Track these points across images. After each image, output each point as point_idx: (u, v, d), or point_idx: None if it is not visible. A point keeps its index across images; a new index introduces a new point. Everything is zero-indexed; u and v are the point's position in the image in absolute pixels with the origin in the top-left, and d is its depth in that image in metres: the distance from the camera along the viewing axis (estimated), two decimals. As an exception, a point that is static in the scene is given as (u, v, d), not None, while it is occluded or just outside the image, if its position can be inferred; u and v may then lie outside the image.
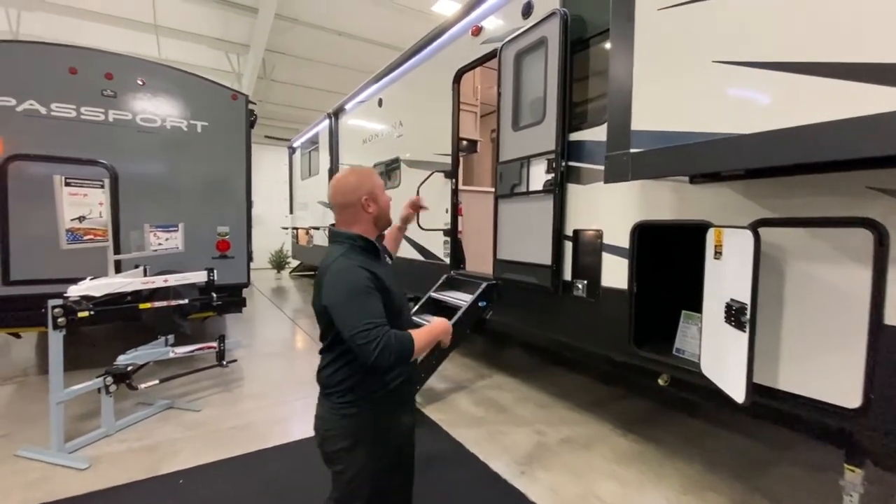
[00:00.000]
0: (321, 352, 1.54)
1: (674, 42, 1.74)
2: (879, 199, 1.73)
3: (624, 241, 2.73)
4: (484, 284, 3.74)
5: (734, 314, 1.97)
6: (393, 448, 1.55)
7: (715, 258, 2.21)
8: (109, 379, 3.04)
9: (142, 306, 3.17)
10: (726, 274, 2.10)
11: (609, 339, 2.91)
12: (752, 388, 1.87)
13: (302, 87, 12.61)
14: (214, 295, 3.64)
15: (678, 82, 1.75)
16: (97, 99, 3.99)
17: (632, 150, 1.90)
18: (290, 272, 12.85)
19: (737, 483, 2.63)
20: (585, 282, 2.97)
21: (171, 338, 3.81)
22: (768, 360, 2.10)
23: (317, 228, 8.86)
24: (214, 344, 3.63)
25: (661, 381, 2.86)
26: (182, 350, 3.47)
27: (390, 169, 5.72)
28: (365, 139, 6.42)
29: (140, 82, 4.20)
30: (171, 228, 3.64)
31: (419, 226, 4.61)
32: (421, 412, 3.47)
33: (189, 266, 3.95)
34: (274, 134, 14.33)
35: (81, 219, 2.99)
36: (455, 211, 4.42)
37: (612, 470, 2.75)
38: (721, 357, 2.11)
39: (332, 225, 1.62)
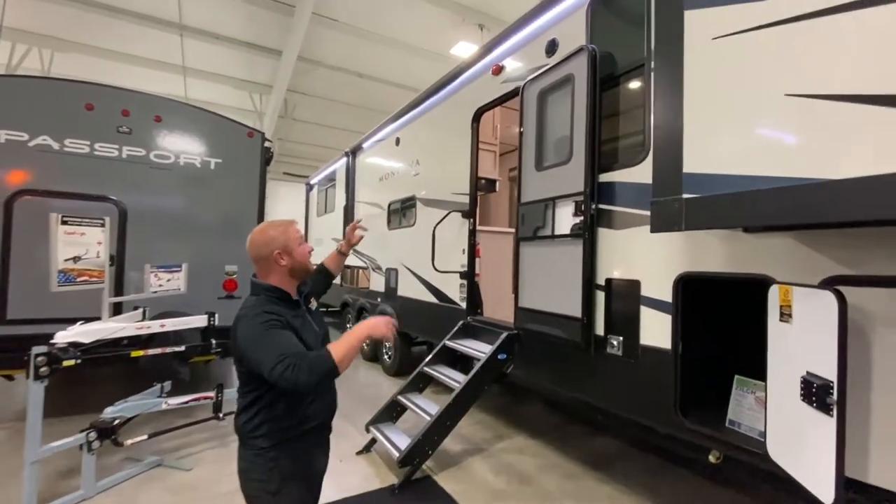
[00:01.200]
0: (238, 399, 1.59)
1: (734, 74, 1.52)
2: None
3: (665, 294, 2.42)
4: (504, 335, 3.43)
5: (815, 393, 1.63)
6: (315, 488, 1.72)
7: (782, 321, 1.88)
8: (93, 434, 2.76)
9: (134, 354, 2.94)
10: (799, 341, 1.77)
11: (650, 406, 2.54)
12: (843, 485, 1.50)
13: (321, 126, 12.90)
14: (214, 341, 3.40)
15: (741, 120, 1.51)
16: (112, 135, 3.96)
17: (685, 196, 1.64)
18: (302, 308, 12.65)
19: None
20: (621, 338, 2.64)
21: (167, 384, 3.55)
22: (855, 447, 1.73)
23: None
24: (211, 394, 3.35)
25: (712, 459, 2.46)
26: (176, 401, 3.19)
27: (406, 207, 5.56)
28: (381, 177, 6.33)
29: (156, 119, 4.17)
30: (173, 269, 3.46)
31: (434, 267, 4.36)
32: (433, 481, 3.08)
33: (194, 306, 3.75)
34: (292, 171, 14.58)
35: (76, 259, 2.82)
36: (472, 252, 4.18)
37: (657, 566, 2.32)
38: (797, 442, 1.74)
39: (253, 275, 1.66)
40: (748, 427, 2.30)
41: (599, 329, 2.77)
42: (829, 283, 1.81)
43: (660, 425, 2.54)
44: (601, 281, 2.78)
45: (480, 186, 4.36)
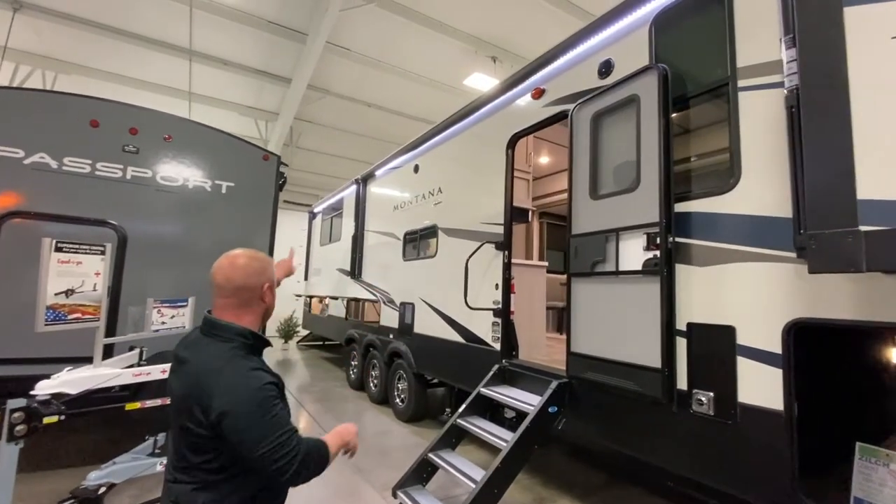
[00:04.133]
0: (183, 470, 1.26)
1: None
2: None
3: (770, 343, 2.06)
4: (555, 384, 3.01)
5: None
6: None
7: (957, 383, 1.52)
8: (71, 507, 2.26)
9: (129, 407, 2.48)
10: None
11: (753, 479, 2.12)
12: None
13: (326, 155, 12.73)
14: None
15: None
16: (117, 154, 3.61)
17: (862, 228, 1.31)
18: (298, 342, 12.04)
19: None
20: (711, 394, 2.25)
21: (161, 437, 3.05)
22: None
23: (334, 298, 8.24)
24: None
25: (833, 545, 2.03)
26: (172, 461, 2.69)
27: (425, 237, 5.22)
28: (396, 206, 6.02)
29: (166, 138, 3.85)
30: (179, 304, 3.03)
31: (467, 304, 3.97)
32: (480, 564, 2.58)
33: (194, 346, 3.30)
34: (293, 199, 14.27)
35: (69, 293, 2.40)
36: (507, 287, 3.81)
37: None
38: None
39: (209, 312, 1.37)
40: (881, 507, 1.90)
41: (682, 383, 2.38)
42: None
43: (764, 500, 2.12)
44: (682, 325, 2.41)
45: (515, 217, 4.04)
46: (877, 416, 2.90)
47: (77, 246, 2.45)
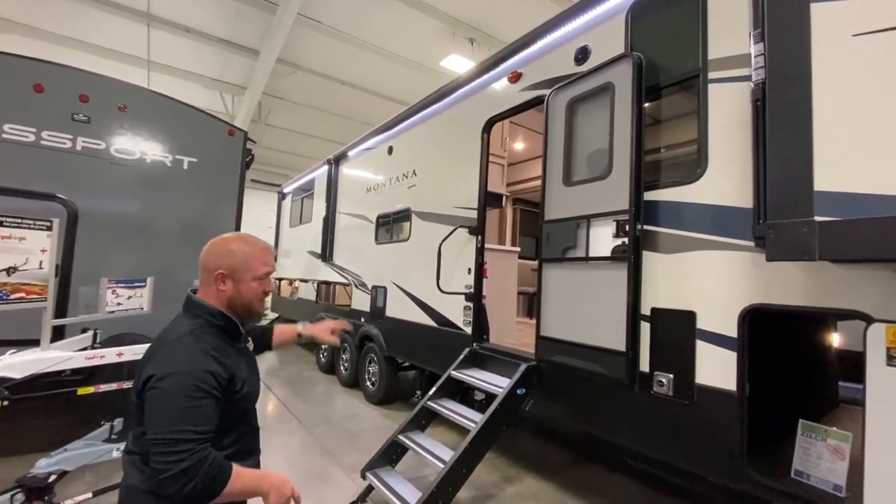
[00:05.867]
0: (134, 440, 1.23)
1: (890, 74, 1.28)
2: None
3: (727, 328, 2.16)
4: (523, 367, 3.07)
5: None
6: None
7: (890, 364, 1.65)
8: (20, 496, 2.15)
9: (81, 391, 2.36)
10: (926, 392, 1.53)
11: (708, 456, 2.24)
12: None
13: (297, 133, 12.32)
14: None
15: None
16: (65, 123, 3.36)
17: (818, 219, 1.37)
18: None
19: None
20: (671, 376, 2.35)
21: (117, 423, 2.93)
22: None
23: (305, 281, 8.08)
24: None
25: (774, 515, 2.18)
26: (130, 447, 2.59)
27: (398, 220, 5.16)
28: (369, 188, 5.90)
29: (121, 108, 3.60)
30: (136, 284, 2.88)
31: (439, 288, 3.97)
32: (447, 541, 2.64)
33: (155, 329, 3.16)
34: (262, 178, 13.81)
35: (11, 270, 2.22)
36: (479, 272, 3.83)
37: None
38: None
39: (193, 290, 1.38)
40: (819, 479, 2.05)
41: (644, 365, 2.47)
42: (942, 324, 1.59)
43: (716, 475, 2.25)
44: (646, 310, 2.49)
45: (489, 202, 4.04)
46: (819, 396, 3.12)
47: (19, 220, 2.27)
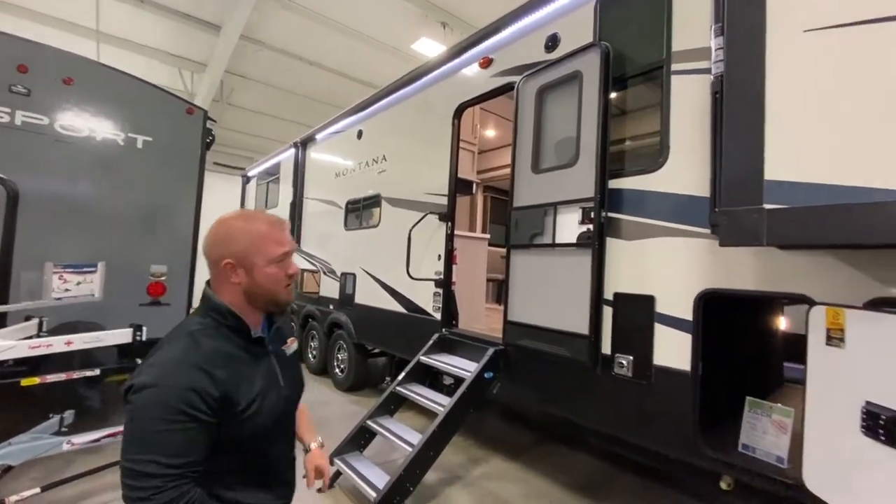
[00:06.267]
0: None
1: (834, 71, 1.35)
2: None
3: (683, 312, 2.26)
4: (491, 351, 3.12)
5: (882, 426, 1.50)
6: None
7: (829, 344, 1.76)
8: (-43, 493, 2.02)
9: (25, 382, 2.22)
10: (855, 368, 1.65)
11: (664, 433, 2.36)
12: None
13: (261, 115, 11.85)
14: (140, 361, 2.71)
15: (846, 123, 1.34)
16: (2, 95, 3.09)
17: (766, 206, 1.44)
18: (231, 313, 11.44)
19: None
20: (631, 358, 2.45)
21: (68, 415, 2.79)
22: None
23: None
24: (133, 427, 2.66)
25: (723, 486, 2.33)
26: (83, 439, 2.48)
27: (368, 206, 5.09)
28: (338, 172, 5.78)
29: (66, 81, 3.35)
30: (86, 269, 2.73)
31: (409, 274, 3.96)
32: (414, 522, 2.68)
33: (112, 316, 3.01)
34: (224, 161, 13.27)
35: (-58, 254, 2.05)
36: (449, 258, 3.84)
37: None
38: (852, 478, 1.61)
39: (207, 282, 1.16)
40: (764, 452, 2.19)
41: (606, 347, 2.56)
42: (873, 306, 1.72)
43: (672, 451, 2.37)
44: (609, 295, 2.57)
45: (459, 188, 4.04)
46: (766, 375, 3.32)
47: (-49, 200, 2.09)
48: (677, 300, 2.28)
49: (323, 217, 6.04)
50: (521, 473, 3.37)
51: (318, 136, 6.39)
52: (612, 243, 2.58)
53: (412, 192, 4.33)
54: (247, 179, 9.50)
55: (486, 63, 3.58)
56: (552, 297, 2.78)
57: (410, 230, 3.97)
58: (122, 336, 2.66)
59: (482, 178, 6.23)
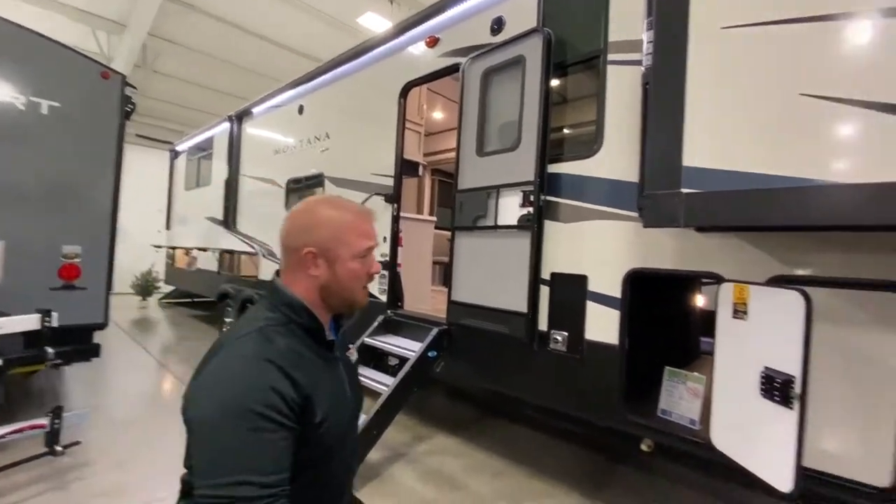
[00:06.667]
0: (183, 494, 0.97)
1: (746, 66, 1.47)
2: (918, 262, 1.62)
3: (613, 290, 2.42)
4: (435, 331, 3.17)
5: (777, 388, 1.71)
6: None
7: (735, 317, 1.97)
8: None
9: None
10: (756, 338, 1.86)
11: (594, 402, 2.54)
12: (802, 474, 1.59)
13: (192, 84, 10.94)
14: (51, 350, 2.47)
15: (751, 115, 1.47)
16: None
17: (684, 190, 1.57)
18: (160, 300, 10.68)
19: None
20: (566, 334, 2.59)
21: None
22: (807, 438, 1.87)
23: (203, 250, 7.40)
24: (44, 422, 2.44)
25: (644, 448, 2.55)
26: (-18, 437, 2.24)
27: (310, 185, 4.90)
28: (278, 149, 5.50)
29: (-52, 32, 2.88)
30: (-21, 249, 2.41)
31: (352, 257, 3.88)
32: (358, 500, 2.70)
33: (12, 301, 2.70)
34: (150, 133, 12.15)
35: None
36: (395, 240, 3.82)
37: (596, 558, 2.32)
38: (751, 435, 1.83)
39: (277, 272, 1.06)
40: (679, 415, 2.42)
41: (543, 324, 2.69)
42: (773, 282, 1.94)
43: (601, 419, 2.57)
44: (546, 275, 2.69)
45: (405, 170, 4.00)
46: (684, 348, 3.65)
47: None
48: (607, 279, 2.44)
49: (262, 196, 5.75)
50: (464, 448, 3.50)
51: (256, 110, 6.02)
52: (549, 226, 2.69)
53: (357, 172, 4.23)
54: (175, 154, 8.81)
55: (433, 42, 3.54)
56: (493, 277, 2.87)
57: (354, 211, 3.88)
58: (28, 322, 2.40)
59: (429, 160, 6.20)
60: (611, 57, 2.48)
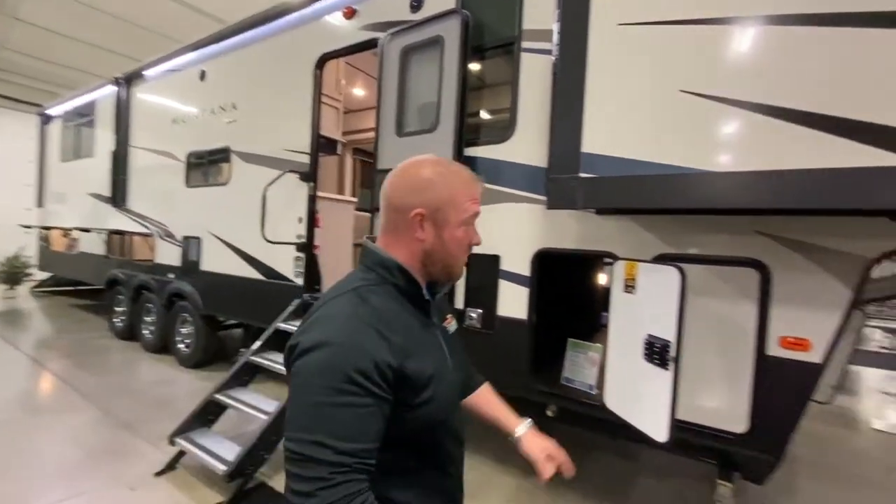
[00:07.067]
0: None
1: (636, 62, 1.61)
2: (766, 241, 1.92)
3: (523, 269, 2.57)
4: (353, 313, 3.11)
5: (657, 352, 1.94)
6: None
7: (626, 292, 2.19)
8: None
9: None
10: (641, 309, 2.09)
11: (505, 374, 2.68)
12: (675, 426, 1.84)
13: (67, 38, 9.36)
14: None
15: (639, 107, 1.62)
16: None
17: (581, 175, 1.69)
18: (33, 288, 9.23)
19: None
20: (480, 311, 2.70)
21: None
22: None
23: (86, 230, 6.49)
24: None
25: (549, 413, 2.77)
26: None
27: (215, 160, 4.50)
28: (176, 119, 4.95)
29: None
30: None
31: (264, 237, 3.66)
32: (269, 488, 2.61)
33: None
34: (9, 92, 10.26)
35: None
36: (312, 221, 3.66)
37: (505, 519, 2.50)
38: (636, 394, 2.07)
39: (369, 237, 1.00)
40: (580, 382, 2.66)
41: (459, 303, 2.77)
42: (657, 260, 2.18)
43: (511, 390, 2.71)
44: (463, 256, 2.76)
45: (322, 147, 3.82)
46: (587, 322, 3.99)
47: None
48: (518, 259, 2.57)
49: (157, 171, 5.17)
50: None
51: (149, 74, 5.34)
52: (467, 207, 2.75)
53: (268, 147, 3.96)
54: (47, 119, 7.55)
55: (350, 13, 3.38)
56: (412, 258, 2.88)
57: (266, 189, 3.65)
58: None
59: (350, 139, 5.98)
60: (525, 45, 2.57)
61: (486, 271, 2.68)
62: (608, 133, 1.69)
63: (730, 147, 1.58)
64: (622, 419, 2.12)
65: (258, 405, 2.87)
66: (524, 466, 2.90)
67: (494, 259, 2.64)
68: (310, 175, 3.61)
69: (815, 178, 1.44)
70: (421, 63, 2.96)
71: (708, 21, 1.55)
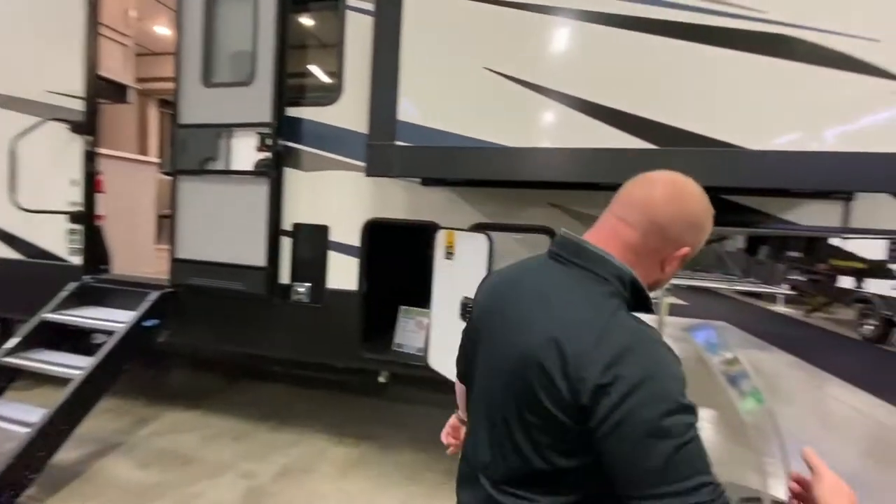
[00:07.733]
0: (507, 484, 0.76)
1: (447, 34, 1.65)
2: (555, 212, 2.25)
3: (352, 239, 2.52)
4: (154, 295, 2.65)
5: (469, 311, 2.12)
6: None
7: (446, 258, 2.33)
8: None
9: None
10: (459, 273, 2.25)
11: (335, 347, 2.64)
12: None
13: None
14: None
15: (448, 79, 1.67)
16: None
17: (397, 143, 1.69)
18: None
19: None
20: (308, 285, 2.57)
21: None
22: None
23: None
24: None
25: (381, 379, 2.84)
26: None
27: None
28: None
29: None
30: None
31: (17, 204, 2.80)
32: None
33: None
34: None
35: None
36: (91, 184, 2.94)
37: (338, 488, 2.51)
38: (452, 351, 2.24)
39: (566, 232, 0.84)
40: (409, 346, 2.77)
41: (285, 277, 2.59)
42: (473, 229, 2.36)
43: (341, 361, 2.70)
44: (287, 226, 2.57)
45: (102, 91, 3.06)
46: (421, 292, 4.17)
47: None
48: (347, 229, 2.51)
49: None
50: (202, 420, 3.15)
51: None
52: (290, 173, 2.55)
53: (20, 87, 3.01)
54: None
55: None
56: (227, 229, 2.57)
57: (14, 141, 2.78)
58: None
59: (153, 87, 4.97)
60: (350, 2, 2.42)
61: (314, 243, 2.55)
62: (423, 103, 1.72)
63: (526, 125, 1.77)
64: (443, 375, 2.29)
65: (18, 417, 2.26)
66: (357, 437, 2.96)
67: (323, 229, 2.52)
68: (85, 126, 2.87)
69: (587, 156, 1.71)
70: (234, 4, 2.56)
71: (513, 5, 1.68)
